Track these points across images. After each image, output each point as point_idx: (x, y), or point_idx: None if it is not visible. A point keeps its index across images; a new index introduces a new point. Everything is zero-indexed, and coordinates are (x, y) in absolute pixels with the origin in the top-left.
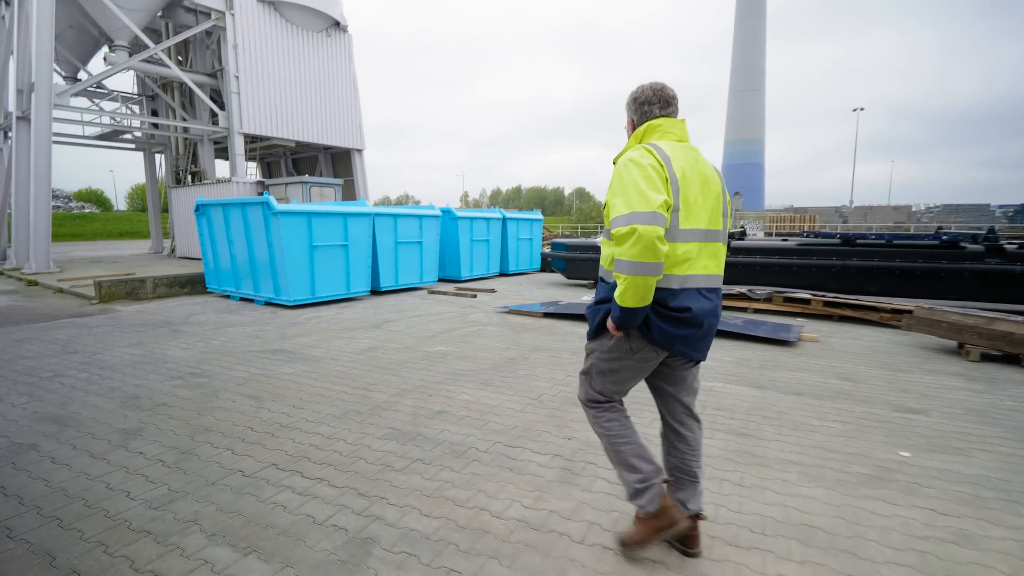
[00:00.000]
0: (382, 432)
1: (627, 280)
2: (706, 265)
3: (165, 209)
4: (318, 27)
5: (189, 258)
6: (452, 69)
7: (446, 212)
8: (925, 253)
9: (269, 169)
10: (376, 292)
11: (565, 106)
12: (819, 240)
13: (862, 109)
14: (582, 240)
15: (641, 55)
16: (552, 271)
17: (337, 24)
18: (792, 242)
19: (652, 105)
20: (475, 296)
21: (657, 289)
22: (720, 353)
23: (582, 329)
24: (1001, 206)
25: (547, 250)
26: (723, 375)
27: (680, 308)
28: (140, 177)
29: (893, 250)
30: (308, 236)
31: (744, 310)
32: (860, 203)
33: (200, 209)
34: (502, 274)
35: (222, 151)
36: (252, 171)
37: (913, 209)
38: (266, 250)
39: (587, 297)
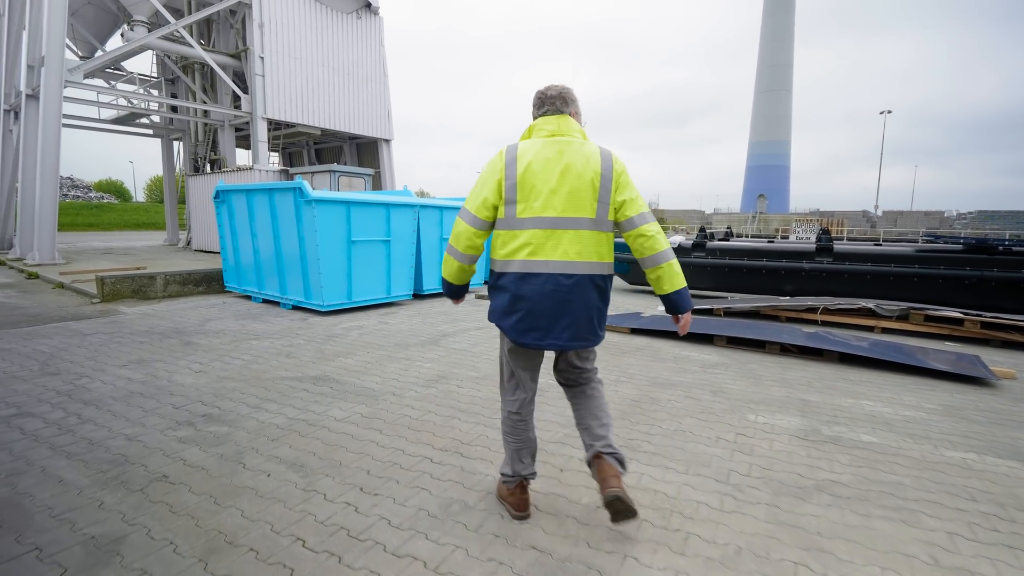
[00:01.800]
0: (525, 559)
1: (444, 256)
2: (565, 251)
3: (182, 200)
4: (348, 8)
5: (206, 251)
6: (469, 67)
7: None
8: None
9: (291, 159)
10: (418, 296)
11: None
12: (943, 246)
13: (889, 112)
14: None
15: (658, 55)
16: None
17: (368, 5)
18: (910, 248)
19: (535, 108)
20: None
21: (501, 275)
22: (892, 391)
23: (689, 351)
24: None
25: None
26: (939, 435)
27: (518, 295)
28: (159, 169)
29: None
30: (346, 229)
31: (870, 329)
32: (884, 208)
33: (220, 196)
34: None
35: (243, 139)
36: (274, 161)
37: (945, 215)
38: (296, 244)
39: (662, 308)
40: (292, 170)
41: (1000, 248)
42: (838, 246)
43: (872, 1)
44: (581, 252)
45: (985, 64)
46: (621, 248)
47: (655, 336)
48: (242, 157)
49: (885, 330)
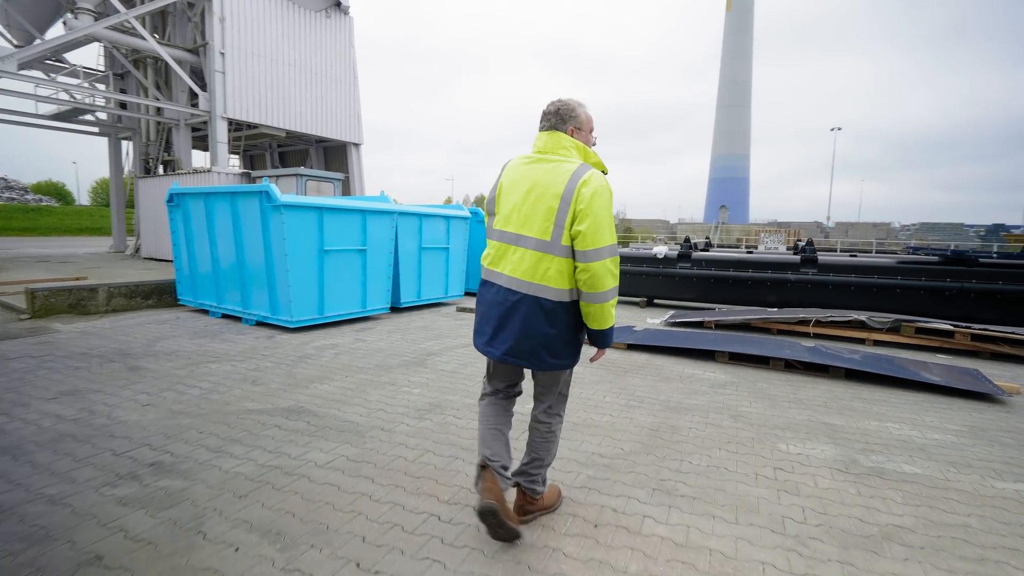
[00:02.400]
0: None
1: None
2: (514, 267)
3: (131, 204)
4: (317, 6)
5: (157, 259)
6: (436, 75)
7: (474, 213)
8: None
9: (252, 163)
10: (396, 309)
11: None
12: (924, 258)
13: (839, 128)
14: (634, 251)
15: (623, 69)
16: None
17: (338, 4)
18: (891, 260)
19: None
20: None
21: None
22: (909, 410)
23: (692, 368)
24: (971, 226)
25: None
26: (979, 463)
27: (479, 299)
28: (106, 170)
29: (1021, 272)
30: (318, 237)
31: (861, 341)
32: (835, 219)
33: (174, 199)
34: None
35: (200, 140)
36: (234, 164)
37: (892, 226)
38: (262, 254)
39: (654, 320)
40: (255, 173)
41: (979, 260)
42: (822, 257)
43: (821, 25)
44: (526, 272)
45: (922, 87)
46: None
47: (653, 352)
48: (199, 159)
49: (877, 342)
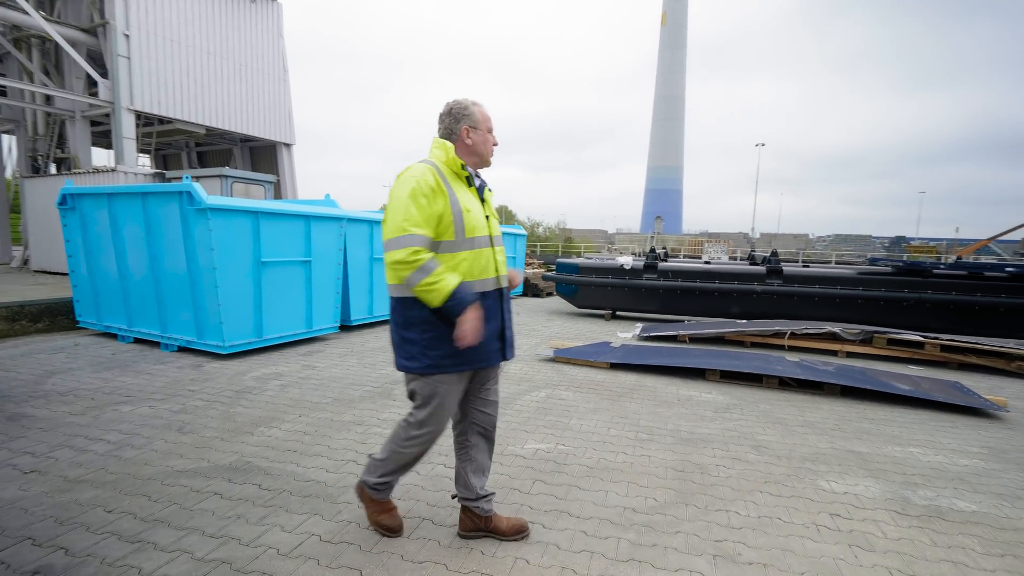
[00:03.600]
0: None
1: None
2: None
3: (16, 208)
4: None
5: (50, 272)
6: (368, 79)
7: None
8: (1008, 287)
9: (166, 163)
10: (346, 327)
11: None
12: (882, 269)
13: (763, 145)
14: (599, 261)
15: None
16: (537, 296)
17: None
18: (852, 271)
19: None
20: None
21: None
22: (918, 431)
23: (686, 389)
24: (877, 237)
25: (550, 272)
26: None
27: None
28: None
29: (974, 283)
30: (254, 247)
31: (834, 353)
32: (759, 230)
33: (69, 201)
34: None
35: (102, 136)
36: (143, 163)
37: (809, 237)
38: (184, 266)
39: (624, 334)
40: (170, 174)
41: (933, 271)
42: (793, 271)
43: (742, 47)
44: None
45: (830, 108)
46: (567, 269)
47: (639, 371)
48: (101, 157)
49: (850, 354)
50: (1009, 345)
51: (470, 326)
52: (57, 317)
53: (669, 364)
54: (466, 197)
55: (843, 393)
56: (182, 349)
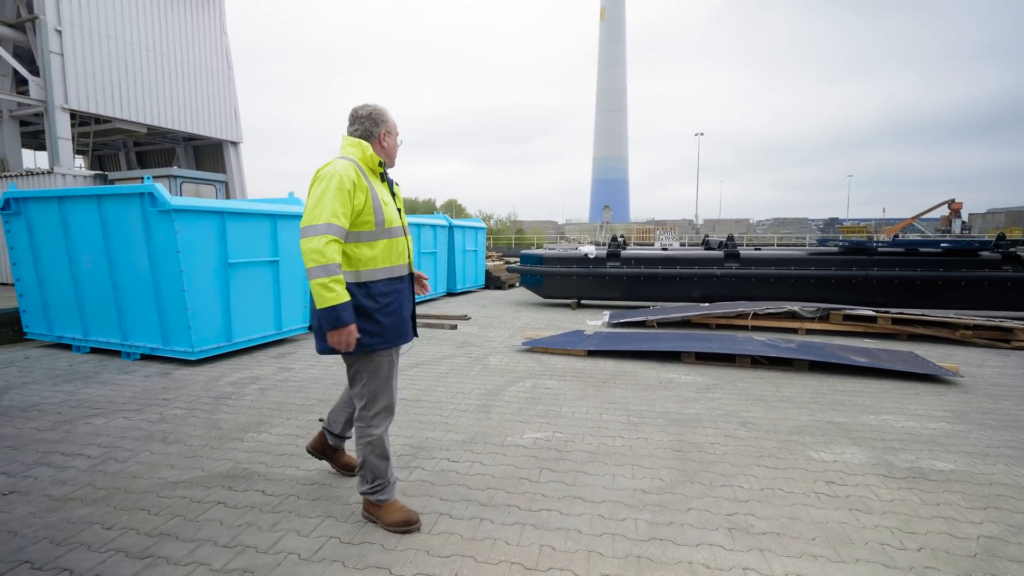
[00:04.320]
0: None
1: None
2: None
3: None
4: None
5: None
6: (307, 75)
7: None
8: (945, 262)
9: (101, 164)
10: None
11: (428, 120)
12: (829, 249)
13: (702, 134)
14: (562, 251)
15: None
16: (500, 288)
17: None
18: (803, 252)
19: None
20: (454, 327)
21: None
22: (886, 399)
23: (665, 372)
24: (812, 220)
25: (514, 263)
26: (991, 451)
27: None
28: None
29: (915, 259)
30: (220, 248)
31: (794, 331)
32: (702, 217)
33: (12, 206)
34: (449, 293)
35: (32, 136)
36: (80, 164)
37: (750, 221)
38: (147, 270)
39: (594, 321)
40: (114, 175)
41: (878, 248)
42: (750, 253)
43: (677, 40)
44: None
45: (758, 99)
46: (531, 260)
47: (617, 357)
48: (31, 159)
49: (809, 331)
50: (951, 316)
51: (343, 340)
52: (1, 329)
53: (645, 349)
54: (382, 192)
55: (811, 368)
56: (145, 357)
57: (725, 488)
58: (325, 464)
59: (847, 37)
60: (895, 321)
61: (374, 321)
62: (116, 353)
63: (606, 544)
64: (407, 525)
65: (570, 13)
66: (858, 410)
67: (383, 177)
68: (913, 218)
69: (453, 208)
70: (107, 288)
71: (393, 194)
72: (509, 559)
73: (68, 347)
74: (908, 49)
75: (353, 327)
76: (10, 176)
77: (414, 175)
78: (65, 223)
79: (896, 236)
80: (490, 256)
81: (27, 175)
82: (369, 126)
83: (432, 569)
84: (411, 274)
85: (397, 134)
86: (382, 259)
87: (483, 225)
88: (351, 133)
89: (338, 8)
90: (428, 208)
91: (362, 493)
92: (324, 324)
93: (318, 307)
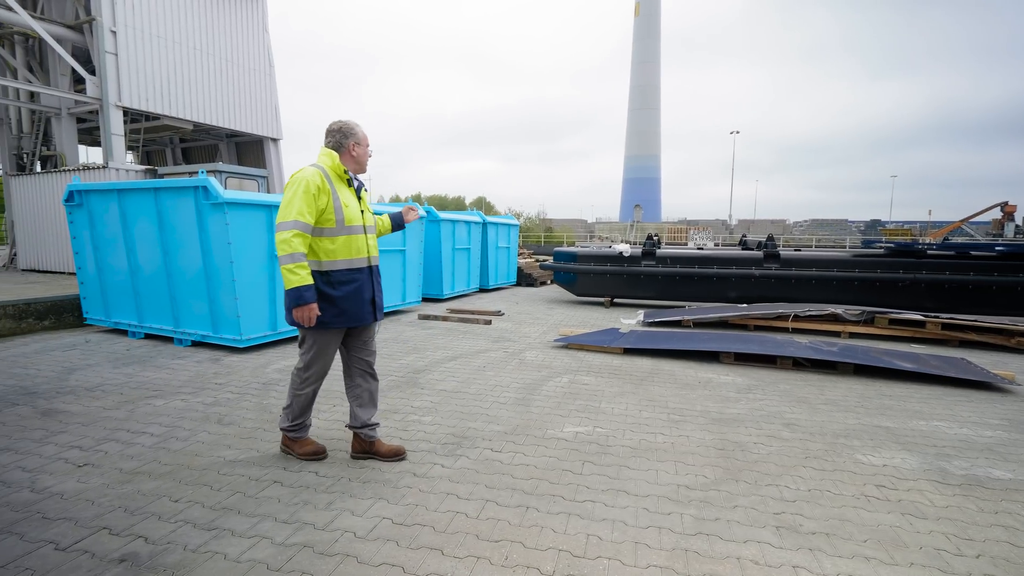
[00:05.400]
0: None
1: None
2: None
3: (0, 207)
4: None
5: (39, 271)
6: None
7: (428, 212)
8: (1000, 266)
9: (149, 160)
10: None
11: (458, 117)
12: (876, 251)
13: (738, 132)
14: (596, 249)
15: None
16: (531, 285)
17: None
18: (847, 253)
19: None
20: (489, 322)
21: None
22: (937, 405)
23: (704, 372)
24: (853, 222)
25: (548, 261)
26: None
27: None
28: None
29: (967, 263)
30: (269, 240)
31: (836, 335)
32: (736, 217)
33: (76, 198)
34: (482, 289)
35: (86, 133)
36: (130, 159)
37: (787, 223)
38: (199, 261)
39: (628, 320)
40: (163, 170)
41: (927, 252)
42: (790, 255)
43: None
44: None
45: (795, 97)
46: (565, 258)
47: (653, 356)
48: (84, 155)
49: (852, 335)
50: (1006, 322)
51: (304, 316)
52: (63, 314)
53: (683, 348)
54: (346, 195)
55: (856, 372)
56: (196, 344)
57: (771, 487)
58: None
59: (890, 31)
60: (946, 326)
61: (332, 303)
62: (168, 339)
63: (652, 536)
64: (316, 455)
65: (602, 9)
66: (907, 415)
67: (350, 183)
68: (962, 221)
69: (483, 205)
70: (161, 277)
71: (359, 198)
72: (557, 546)
73: (124, 332)
74: (956, 44)
75: (314, 305)
76: (63, 170)
77: (443, 172)
78: (123, 215)
79: (945, 239)
80: (521, 253)
81: (84, 169)
82: (340, 139)
83: (483, 552)
84: (371, 267)
85: (367, 145)
86: (342, 252)
87: (516, 222)
88: (326, 144)
89: (369, 8)
90: (458, 205)
91: (282, 429)
92: (290, 302)
93: (286, 288)
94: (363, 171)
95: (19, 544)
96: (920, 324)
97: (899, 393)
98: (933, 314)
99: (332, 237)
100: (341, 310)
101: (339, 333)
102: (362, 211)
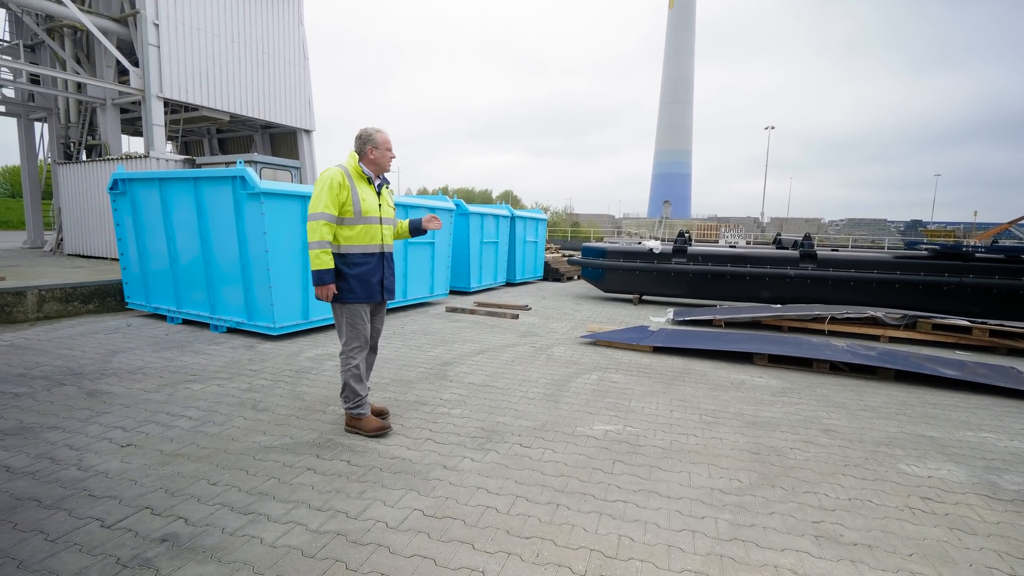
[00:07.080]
0: None
1: None
2: None
3: (48, 194)
4: None
5: (83, 256)
6: (369, 67)
7: (457, 205)
8: None
9: (188, 150)
10: (389, 308)
11: (485, 111)
12: (920, 253)
13: (773, 127)
14: (625, 245)
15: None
16: (558, 280)
17: None
18: (888, 254)
19: None
20: (516, 317)
21: None
22: (984, 416)
23: (737, 373)
24: (892, 221)
25: (575, 256)
26: None
27: None
28: (15, 157)
29: (1018, 267)
30: (303, 230)
31: (876, 339)
32: (768, 214)
33: (120, 186)
34: (509, 283)
35: (128, 123)
36: (170, 149)
37: (822, 221)
38: (235, 249)
39: (657, 318)
40: (201, 160)
41: (975, 255)
42: (827, 255)
43: (747, 29)
44: None
45: (833, 91)
46: (593, 253)
47: (684, 355)
48: (125, 144)
49: (892, 339)
50: None
51: (321, 293)
52: (106, 299)
53: (714, 348)
54: (365, 191)
55: (897, 378)
56: (231, 330)
57: (809, 495)
58: (403, 439)
59: (933, 25)
60: (994, 333)
61: (346, 280)
62: (205, 325)
63: (686, 540)
64: (381, 430)
65: (633, 4)
66: (953, 425)
67: (371, 181)
68: (1010, 223)
69: (509, 199)
70: (199, 264)
71: (379, 193)
72: (588, 546)
73: (163, 317)
74: (1002, 38)
75: (332, 286)
76: (107, 159)
77: (471, 165)
78: (164, 203)
79: (993, 241)
80: (548, 248)
81: (127, 159)
82: (360, 144)
83: (514, 548)
84: (383, 253)
85: (387, 149)
86: (358, 239)
87: (544, 217)
88: (354, 148)
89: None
90: (484, 198)
91: (346, 410)
92: (314, 280)
93: (312, 269)
94: (383, 171)
95: (68, 520)
96: (966, 330)
97: (944, 402)
98: (980, 320)
99: (351, 225)
100: (353, 287)
101: (364, 308)
102: (380, 204)
